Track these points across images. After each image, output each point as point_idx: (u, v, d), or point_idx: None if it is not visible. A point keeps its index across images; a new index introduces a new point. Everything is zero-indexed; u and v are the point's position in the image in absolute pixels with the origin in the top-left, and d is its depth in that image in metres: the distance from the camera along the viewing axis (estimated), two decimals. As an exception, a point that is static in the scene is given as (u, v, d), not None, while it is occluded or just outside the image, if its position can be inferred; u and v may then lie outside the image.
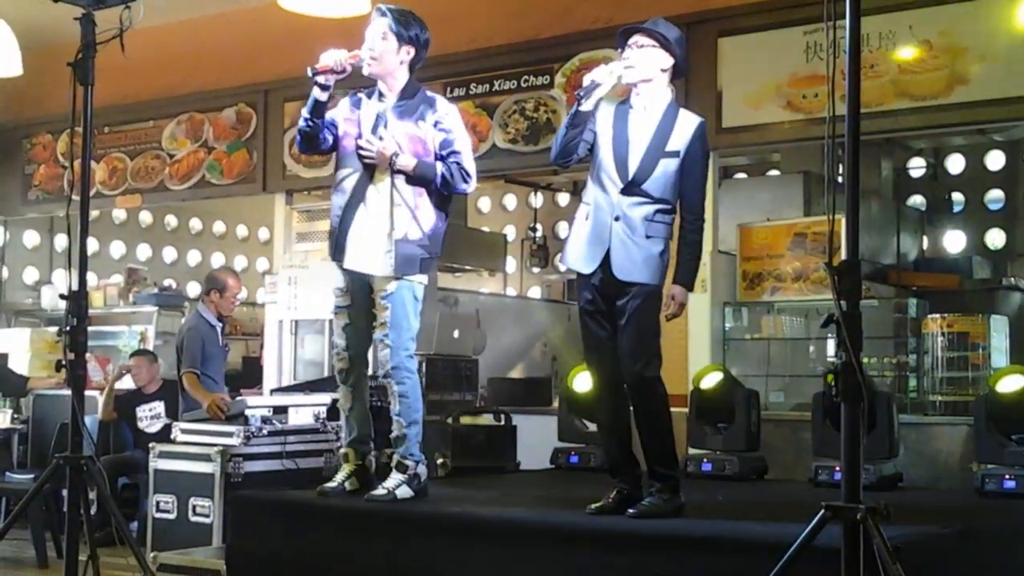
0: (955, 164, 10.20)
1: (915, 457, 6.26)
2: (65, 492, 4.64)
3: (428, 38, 4.97)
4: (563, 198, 12.04)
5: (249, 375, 9.40)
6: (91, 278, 7.63)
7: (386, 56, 4.88)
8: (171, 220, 12.02)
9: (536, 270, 11.87)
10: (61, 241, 10.78)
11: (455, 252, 9.64)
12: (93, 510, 4.66)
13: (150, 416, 7.71)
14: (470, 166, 4.96)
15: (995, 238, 9.97)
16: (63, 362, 4.44)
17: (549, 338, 10.26)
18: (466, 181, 4.94)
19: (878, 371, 7.08)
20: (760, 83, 6.99)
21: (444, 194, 4.96)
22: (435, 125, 4.91)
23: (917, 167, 10.29)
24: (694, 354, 7.00)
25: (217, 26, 9.12)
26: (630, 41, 4.58)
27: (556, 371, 9.74)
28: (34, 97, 9.65)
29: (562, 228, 11.77)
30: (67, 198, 4.56)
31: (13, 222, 10.72)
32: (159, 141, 9.59)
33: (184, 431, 6.37)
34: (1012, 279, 8.93)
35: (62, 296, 4.49)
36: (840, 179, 3.47)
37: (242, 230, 12.62)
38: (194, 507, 6.09)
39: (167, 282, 10.54)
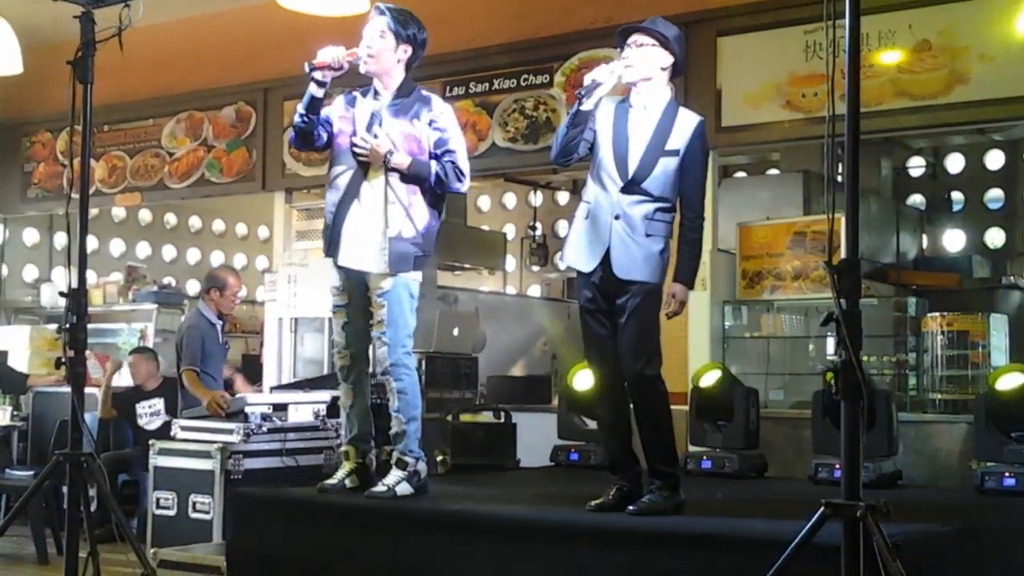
0: (955, 163, 10.21)
1: (915, 455, 6.27)
2: (65, 489, 4.66)
3: (426, 38, 4.98)
4: (563, 197, 12.04)
5: (249, 373, 9.39)
6: (91, 276, 7.67)
7: (383, 54, 4.90)
8: (170, 218, 12.02)
9: (536, 268, 11.87)
10: (61, 239, 10.78)
11: (455, 250, 9.65)
12: (93, 507, 4.67)
13: (150, 413, 7.72)
14: (464, 165, 4.98)
15: (994, 237, 9.98)
16: (63, 359, 4.45)
17: (549, 336, 10.27)
18: (460, 180, 4.96)
19: (878, 369, 7.09)
20: (760, 82, 6.99)
21: (438, 193, 4.98)
22: (430, 124, 4.93)
23: (917, 166, 10.30)
24: (694, 352, 7.01)
25: (217, 24, 9.12)
26: (629, 40, 4.59)
27: (556, 369, 9.75)
28: (34, 95, 9.65)
29: (562, 227, 11.77)
30: (67, 196, 4.57)
31: (13, 220, 10.72)
32: (159, 139, 9.59)
33: (184, 428, 6.38)
34: (1011, 278, 8.93)
35: (62, 294, 4.50)
36: (840, 178, 3.47)
37: (241, 228, 12.62)
38: (194, 504, 6.09)
39: (166, 280, 10.53)
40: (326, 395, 6.51)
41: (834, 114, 3.35)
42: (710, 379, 6.32)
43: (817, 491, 5.36)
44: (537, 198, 11.90)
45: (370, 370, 5.19)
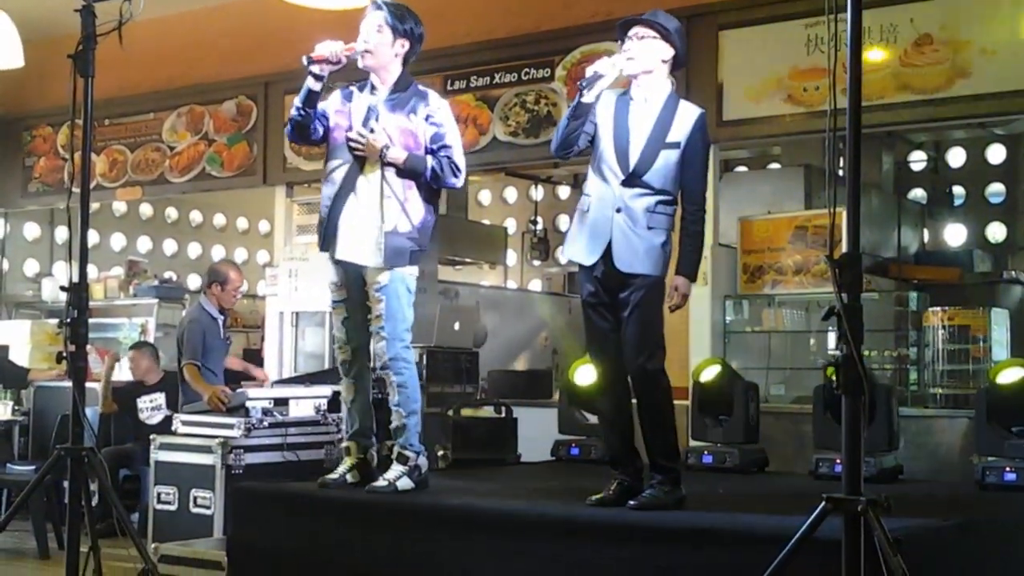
0: (956, 157, 10.21)
1: (916, 450, 6.27)
2: (66, 484, 4.66)
3: (423, 32, 4.99)
4: (564, 191, 12.05)
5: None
6: (91, 270, 7.68)
7: (381, 49, 4.90)
8: (171, 212, 12.03)
9: (537, 263, 11.88)
10: (62, 233, 10.79)
11: (456, 245, 9.66)
12: (94, 501, 4.66)
13: (151, 407, 7.71)
14: (460, 160, 4.98)
15: (996, 231, 9.98)
16: (64, 354, 4.44)
17: (550, 331, 10.27)
18: (456, 175, 4.97)
19: (879, 364, 7.09)
20: (761, 76, 6.98)
21: (434, 188, 4.99)
22: (427, 119, 4.93)
23: (918, 160, 10.30)
24: (695, 347, 7.01)
25: (218, 18, 9.11)
26: (630, 33, 4.58)
27: (557, 363, 9.76)
28: (34, 89, 9.65)
29: (563, 221, 11.78)
30: (67, 190, 4.56)
31: (14, 214, 10.72)
32: (159, 133, 9.59)
33: (185, 423, 6.37)
34: (1013, 272, 8.92)
35: (63, 288, 4.49)
36: (841, 172, 3.46)
37: (242, 222, 12.63)
38: (195, 499, 6.09)
39: (167, 274, 10.55)
40: (327, 389, 6.51)
41: (836, 108, 3.35)
42: (710, 374, 6.32)
43: (818, 486, 5.31)
44: (538, 192, 11.91)
45: (371, 365, 5.20)
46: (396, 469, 4.87)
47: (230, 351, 7.57)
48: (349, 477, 5.00)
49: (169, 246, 12.07)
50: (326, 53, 4.77)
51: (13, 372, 8.75)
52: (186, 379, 6.99)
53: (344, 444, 5.14)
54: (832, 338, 6.95)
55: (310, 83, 4.82)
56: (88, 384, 4.93)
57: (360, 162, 4.88)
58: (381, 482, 4.84)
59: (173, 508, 6.18)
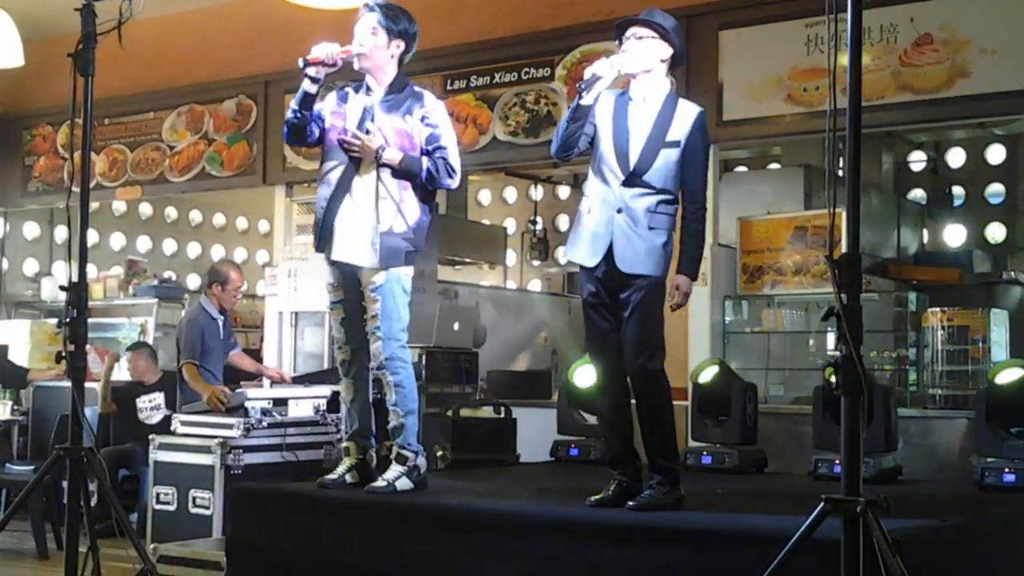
0: (956, 158, 10.21)
1: (915, 450, 6.27)
2: (65, 484, 4.65)
3: (416, 31, 5.00)
4: (563, 191, 12.05)
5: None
6: (91, 270, 7.68)
7: (376, 51, 4.91)
8: (171, 212, 12.02)
9: (536, 263, 11.88)
10: (61, 233, 10.78)
11: (455, 245, 9.66)
12: (93, 502, 4.66)
13: (150, 407, 7.71)
14: (455, 161, 4.99)
15: (995, 232, 9.98)
16: (63, 354, 4.44)
17: (549, 331, 10.27)
18: (451, 176, 4.98)
19: (878, 365, 7.09)
20: (761, 76, 6.98)
21: (429, 188, 5.00)
22: (422, 120, 4.94)
23: (918, 161, 10.30)
24: (694, 347, 7.00)
25: (218, 18, 9.11)
26: (628, 33, 4.57)
27: (556, 364, 9.75)
28: (34, 88, 9.64)
29: (562, 221, 11.78)
30: (67, 189, 4.56)
31: (13, 213, 10.71)
32: (159, 133, 9.58)
33: (184, 423, 6.37)
34: (1012, 273, 8.92)
35: (62, 288, 4.49)
36: (841, 172, 3.46)
37: (242, 222, 12.62)
38: (194, 499, 6.09)
39: (167, 274, 10.54)
40: (326, 390, 6.51)
41: (835, 108, 3.34)
42: (709, 374, 6.32)
43: (817, 486, 5.32)
44: (538, 192, 11.90)
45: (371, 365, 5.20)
46: (395, 469, 4.87)
47: (240, 352, 7.53)
48: (348, 477, 5.00)
49: (169, 246, 12.06)
50: (322, 56, 4.78)
51: (12, 372, 8.74)
52: (185, 378, 6.99)
53: (343, 444, 5.14)
54: (831, 339, 6.96)
55: (306, 85, 4.84)
56: (87, 384, 4.92)
57: (355, 163, 4.89)
58: (380, 482, 4.84)
59: (172, 508, 6.18)
